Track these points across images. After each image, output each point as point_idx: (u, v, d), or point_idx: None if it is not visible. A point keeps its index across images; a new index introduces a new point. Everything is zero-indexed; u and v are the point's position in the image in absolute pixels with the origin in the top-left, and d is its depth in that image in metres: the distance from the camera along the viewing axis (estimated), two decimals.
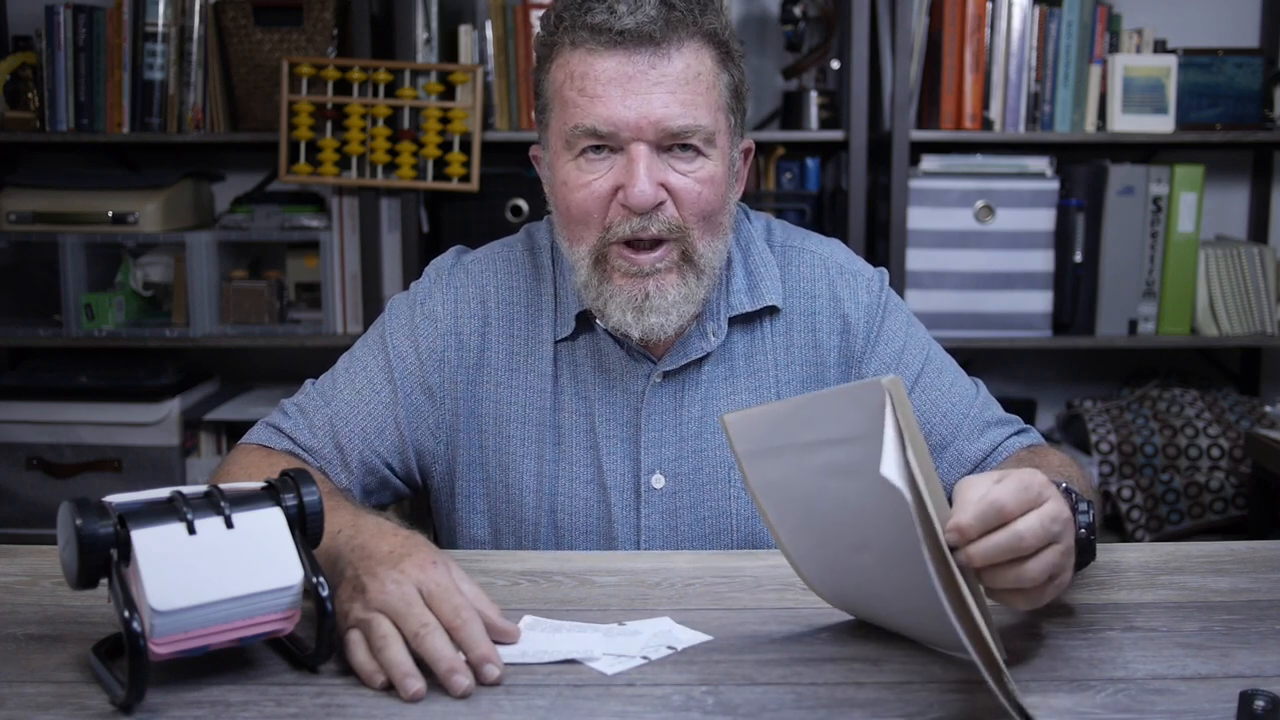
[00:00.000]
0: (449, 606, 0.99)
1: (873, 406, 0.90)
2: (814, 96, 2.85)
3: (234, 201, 3.00)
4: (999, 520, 0.94)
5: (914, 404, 1.40)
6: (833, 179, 3.00)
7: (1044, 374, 3.21)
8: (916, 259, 2.77)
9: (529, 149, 1.42)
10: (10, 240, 2.85)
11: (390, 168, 2.79)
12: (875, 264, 1.50)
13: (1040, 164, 2.78)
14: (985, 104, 2.77)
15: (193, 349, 3.01)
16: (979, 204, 2.75)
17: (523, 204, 2.81)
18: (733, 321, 1.41)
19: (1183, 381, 3.07)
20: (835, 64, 2.89)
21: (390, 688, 0.95)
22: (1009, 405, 1.49)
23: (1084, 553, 1.10)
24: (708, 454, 1.39)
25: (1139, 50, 2.78)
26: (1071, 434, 3.00)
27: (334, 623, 0.97)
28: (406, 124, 2.78)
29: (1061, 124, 2.78)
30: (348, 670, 0.98)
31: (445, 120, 2.77)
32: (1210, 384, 3.09)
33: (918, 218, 2.76)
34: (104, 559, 0.91)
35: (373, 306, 2.81)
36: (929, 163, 2.77)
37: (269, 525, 0.97)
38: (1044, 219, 2.77)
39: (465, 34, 2.80)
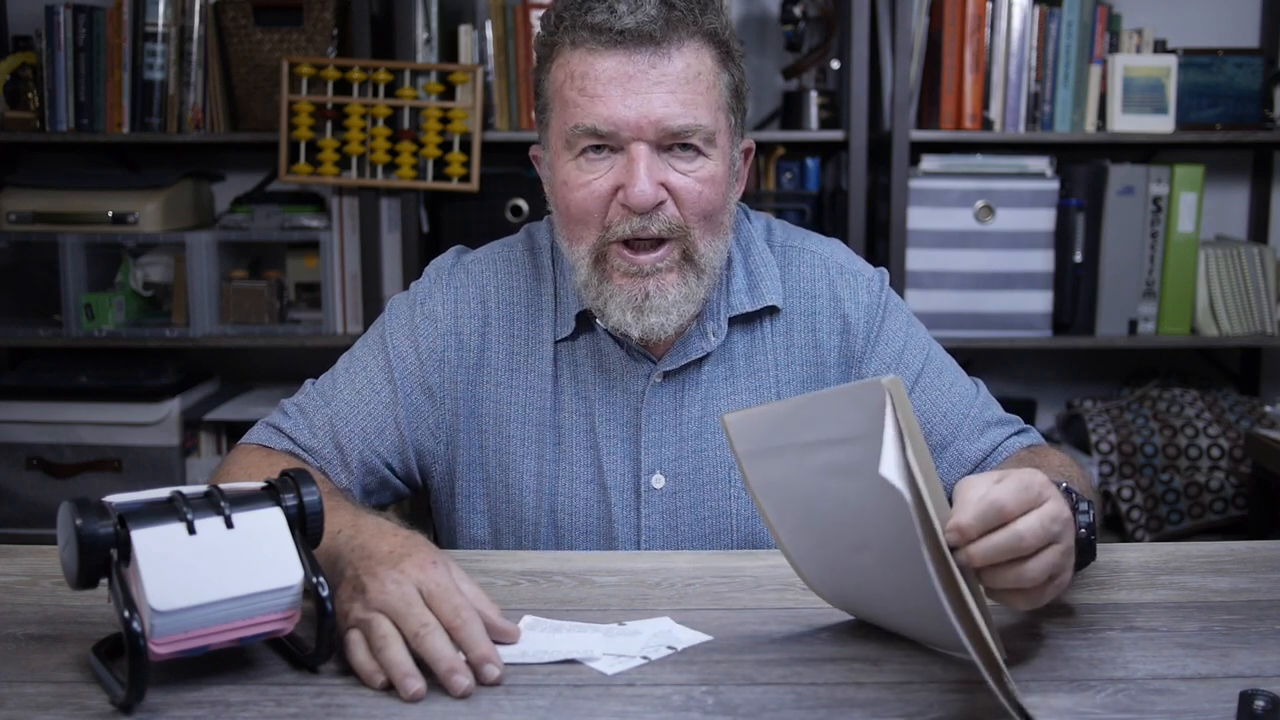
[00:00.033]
0: (449, 606, 0.99)
1: (873, 406, 0.90)
2: (814, 96, 2.85)
3: (234, 201, 3.00)
4: (999, 520, 0.94)
5: (914, 404, 1.40)
6: (833, 179, 3.00)
7: (1044, 374, 3.21)
8: (916, 259, 2.77)
9: (529, 149, 1.43)
10: (10, 240, 2.85)
11: (390, 168, 2.79)
12: (875, 264, 1.50)
13: (1040, 164, 2.78)
14: (985, 104, 2.77)
15: (193, 349, 3.01)
16: (979, 204, 2.75)
17: (523, 204, 2.81)
18: (733, 321, 1.41)
19: (1183, 381, 3.07)
20: (835, 64, 2.89)
21: (390, 688, 0.95)
22: (1009, 405, 1.49)
23: (1084, 553, 1.10)
24: (708, 454, 1.39)
25: (1139, 50, 2.78)
26: (1071, 434, 3.00)
27: (334, 623, 0.97)
28: (406, 124, 2.78)
29: (1061, 124, 2.78)
30: (348, 670, 0.98)
31: (445, 120, 2.77)
32: (1210, 384, 3.09)
33: (918, 218, 2.76)
34: (104, 559, 0.91)
35: (373, 306, 2.81)
36: (929, 163, 2.77)
37: (269, 525, 0.97)
38: (1044, 219, 2.77)
39: (465, 34, 2.80)
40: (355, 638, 0.98)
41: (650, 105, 1.26)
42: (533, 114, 2.11)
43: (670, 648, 1.03)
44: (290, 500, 0.99)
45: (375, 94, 2.77)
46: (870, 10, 2.73)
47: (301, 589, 0.96)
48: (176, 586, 0.91)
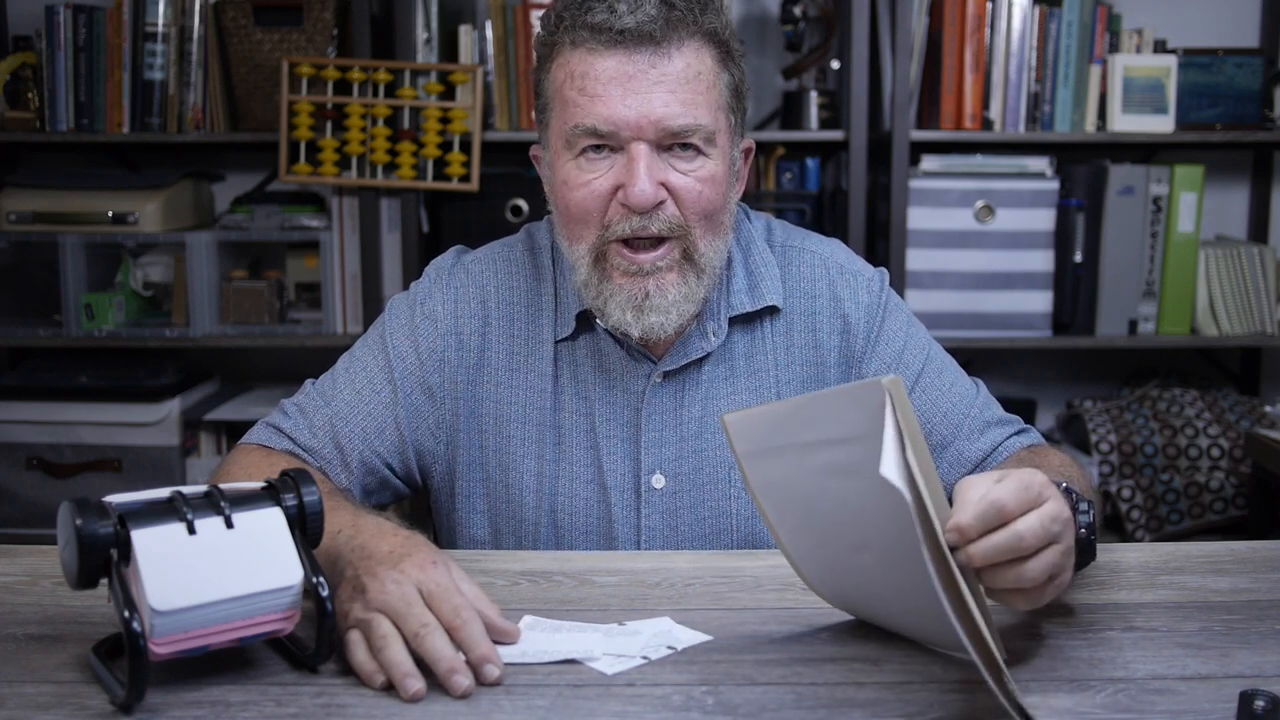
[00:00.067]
0: (449, 606, 0.99)
1: (873, 406, 0.90)
2: (814, 96, 2.85)
3: (234, 201, 3.00)
4: (999, 520, 0.94)
5: (914, 404, 1.40)
6: (833, 179, 3.00)
7: (1044, 374, 3.21)
8: (916, 259, 2.77)
9: (529, 149, 1.43)
10: (10, 240, 2.85)
11: (390, 168, 2.79)
12: (875, 264, 1.50)
13: (1040, 164, 2.78)
14: (985, 104, 2.77)
15: (193, 349, 3.01)
16: (979, 204, 2.75)
17: (523, 204, 2.81)
18: (733, 321, 1.41)
19: (1183, 381, 3.07)
20: (835, 64, 2.89)
21: (390, 688, 0.95)
22: (1009, 405, 1.49)
23: (1084, 553, 1.10)
24: (708, 454, 1.39)
25: (1139, 50, 2.78)
26: (1071, 434, 3.00)
27: (334, 623, 0.97)
28: (406, 124, 2.78)
29: (1061, 124, 2.78)
30: (348, 670, 0.98)
31: (445, 120, 2.77)
32: (1210, 384, 3.09)
33: (918, 218, 2.76)
34: (104, 559, 0.91)
35: (373, 306, 2.81)
36: (929, 163, 2.77)
37: (269, 525, 0.97)
38: (1044, 219, 2.77)
39: (465, 34, 2.80)
40: (355, 638, 0.98)
41: (650, 105, 1.26)
42: (533, 114, 2.12)
43: (670, 648, 1.03)
44: (290, 500, 0.99)
45: (375, 94, 2.77)
46: (870, 10, 2.73)
47: (301, 589, 0.96)
48: (176, 586, 0.91)
